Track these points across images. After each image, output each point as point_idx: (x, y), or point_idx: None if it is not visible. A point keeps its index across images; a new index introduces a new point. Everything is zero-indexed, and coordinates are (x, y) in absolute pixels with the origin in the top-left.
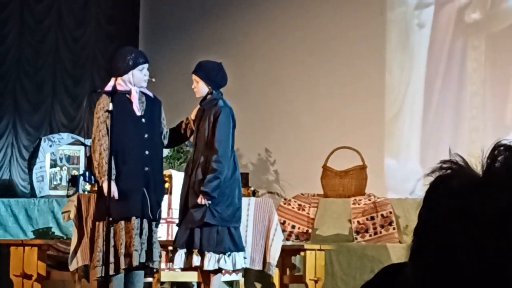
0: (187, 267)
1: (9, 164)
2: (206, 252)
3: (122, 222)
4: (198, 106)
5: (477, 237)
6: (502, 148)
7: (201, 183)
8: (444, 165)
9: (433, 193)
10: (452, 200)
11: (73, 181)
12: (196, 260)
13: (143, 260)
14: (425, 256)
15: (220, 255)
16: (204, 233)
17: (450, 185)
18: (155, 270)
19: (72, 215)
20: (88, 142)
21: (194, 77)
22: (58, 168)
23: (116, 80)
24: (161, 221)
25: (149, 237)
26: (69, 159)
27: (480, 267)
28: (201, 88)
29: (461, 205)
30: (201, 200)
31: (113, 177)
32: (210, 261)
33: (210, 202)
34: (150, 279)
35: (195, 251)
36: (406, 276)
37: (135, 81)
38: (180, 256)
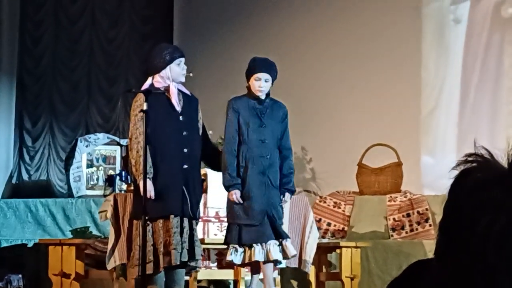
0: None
1: (46, 165)
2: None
3: (161, 221)
4: None
5: (503, 229)
6: None
7: (278, 181)
8: (469, 158)
9: (458, 186)
10: (478, 193)
11: (110, 180)
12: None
13: (185, 258)
14: (452, 250)
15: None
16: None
17: (475, 178)
18: (197, 268)
19: (109, 215)
20: (123, 142)
21: (266, 76)
22: (94, 168)
23: (153, 78)
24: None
25: (190, 235)
26: (105, 159)
27: (507, 258)
28: (269, 87)
29: (487, 197)
30: (287, 198)
31: (150, 175)
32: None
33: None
34: (187, 277)
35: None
36: (433, 271)
37: (173, 76)
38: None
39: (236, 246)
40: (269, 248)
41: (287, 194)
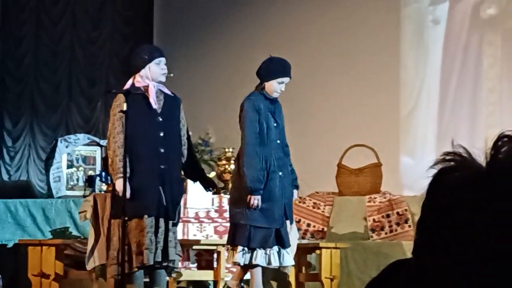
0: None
1: (26, 165)
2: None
3: (135, 220)
4: None
5: (484, 229)
6: (505, 139)
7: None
8: (447, 157)
9: (436, 185)
10: (456, 192)
11: (90, 181)
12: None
13: (158, 259)
14: (432, 250)
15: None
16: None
17: (454, 177)
18: (174, 269)
19: (88, 215)
20: (103, 142)
21: (288, 80)
22: (74, 169)
23: (134, 78)
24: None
25: (165, 236)
26: (85, 159)
27: (487, 258)
28: None
29: (465, 197)
30: (296, 195)
31: (127, 175)
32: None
33: None
34: (167, 278)
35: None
36: (411, 271)
37: (152, 75)
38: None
39: (246, 248)
40: (272, 253)
41: (295, 191)
